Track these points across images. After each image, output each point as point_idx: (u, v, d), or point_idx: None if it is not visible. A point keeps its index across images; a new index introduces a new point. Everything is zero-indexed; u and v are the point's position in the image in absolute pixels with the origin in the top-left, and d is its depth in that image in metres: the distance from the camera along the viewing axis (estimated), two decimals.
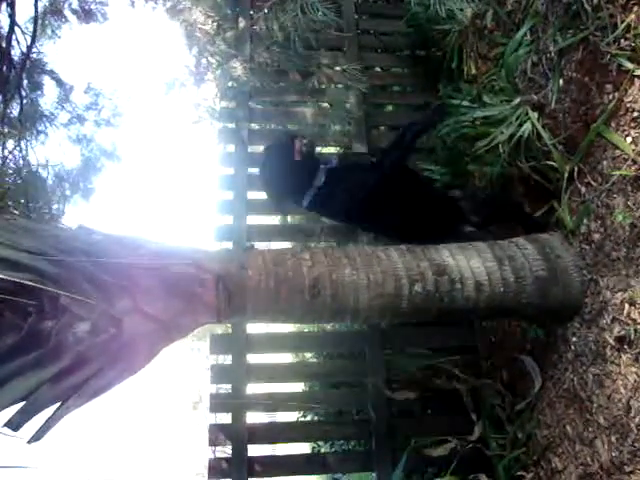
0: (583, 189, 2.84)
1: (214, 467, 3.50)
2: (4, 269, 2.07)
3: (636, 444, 2.46)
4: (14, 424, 2.08)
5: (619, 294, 2.55)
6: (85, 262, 2.23)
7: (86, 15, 6.80)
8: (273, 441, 3.75)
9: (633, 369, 2.47)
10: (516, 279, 2.69)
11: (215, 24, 5.43)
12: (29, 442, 2.11)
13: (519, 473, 3.24)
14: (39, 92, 5.93)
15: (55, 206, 5.17)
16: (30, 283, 2.07)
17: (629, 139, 2.55)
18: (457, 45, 4.11)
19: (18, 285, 2.11)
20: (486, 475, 3.35)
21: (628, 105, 2.56)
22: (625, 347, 2.51)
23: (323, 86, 4.36)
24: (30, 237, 2.22)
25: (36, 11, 5.90)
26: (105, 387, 2.34)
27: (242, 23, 4.42)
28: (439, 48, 4.33)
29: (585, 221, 2.79)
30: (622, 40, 2.60)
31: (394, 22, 4.66)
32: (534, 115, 3.12)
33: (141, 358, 2.42)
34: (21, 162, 5.21)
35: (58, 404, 2.20)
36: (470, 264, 2.68)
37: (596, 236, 2.72)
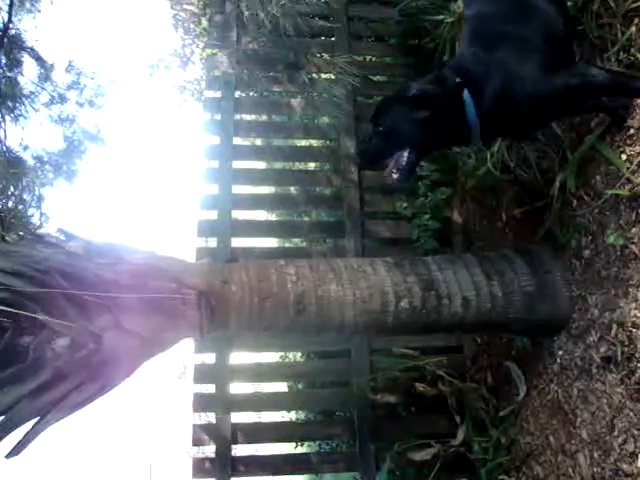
0: (575, 202, 2.78)
1: (198, 467, 3.50)
2: None
3: (618, 463, 2.45)
4: None
5: (607, 313, 2.52)
6: (62, 282, 2.17)
7: None
8: (257, 441, 3.74)
9: (618, 390, 2.45)
10: (504, 294, 2.66)
11: (201, 3, 5.27)
12: (7, 457, 2.10)
13: (501, 477, 3.25)
14: (17, 70, 5.72)
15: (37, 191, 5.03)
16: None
17: (624, 156, 2.48)
18: (449, 37, 3.99)
19: None
20: (468, 479, 3.37)
21: None
22: (611, 367, 2.49)
23: (312, 75, 4.24)
24: (4, 258, 2.15)
25: None
26: (85, 401, 2.31)
27: (229, 7, 4.26)
28: (431, 38, 4.21)
29: (576, 236, 2.74)
30: (621, 52, 2.52)
31: (386, 9, 4.52)
32: None
33: (122, 373, 2.39)
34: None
35: (37, 418, 2.17)
36: (458, 279, 2.64)
37: (586, 252, 2.68)
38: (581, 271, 2.70)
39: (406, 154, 2.33)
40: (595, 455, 2.59)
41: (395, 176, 2.37)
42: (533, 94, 2.25)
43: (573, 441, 2.76)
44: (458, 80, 2.28)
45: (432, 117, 2.26)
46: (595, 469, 2.59)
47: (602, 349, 2.54)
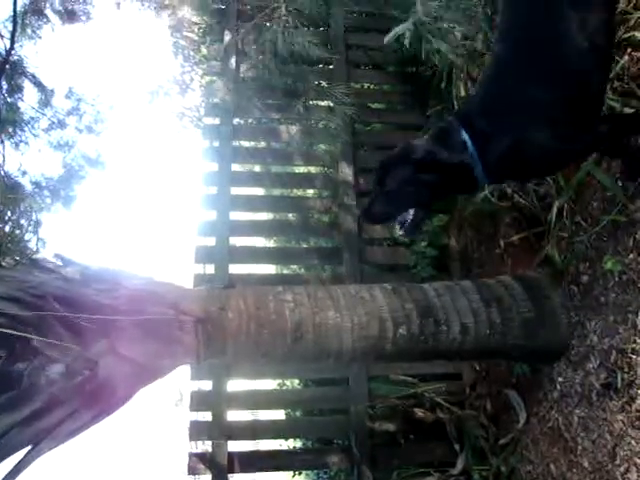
0: (573, 228, 2.79)
1: None
2: None
3: None
4: None
5: (606, 340, 2.51)
6: (58, 308, 2.16)
7: (69, 15, 6.63)
8: (254, 470, 3.68)
9: (619, 417, 2.43)
10: (502, 320, 2.65)
11: (201, 31, 5.34)
12: None
13: None
14: (18, 96, 5.76)
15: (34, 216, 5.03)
16: None
17: (619, 182, 2.50)
18: (447, 65, 4.04)
19: None
20: None
21: None
22: (612, 394, 2.47)
23: (311, 103, 4.28)
24: (0, 283, 2.14)
25: (15, 10, 5.70)
26: (80, 428, 2.29)
27: (227, 37, 4.31)
28: (429, 67, 4.25)
29: (574, 262, 2.74)
30: (615, 81, 2.55)
31: (383, 37, 4.55)
32: None
33: (117, 399, 2.36)
34: None
35: (29, 447, 2.14)
36: (456, 305, 2.63)
37: (585, 278, 2.68)
38: (580, 297, 2.70)
39: (412, 212, 2.27)
40: None
41: (401, 233, 2.34)
42: (541, 162, 2.17)
43: (574, 470, 2.72)
44: (465, 137, 2.11)
45: (437, 179, 2.16)
46: None
47: (602, 376, 2.53)
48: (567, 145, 2.10)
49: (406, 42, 2.86)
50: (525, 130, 2.05)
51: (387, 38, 3.22)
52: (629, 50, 2.52)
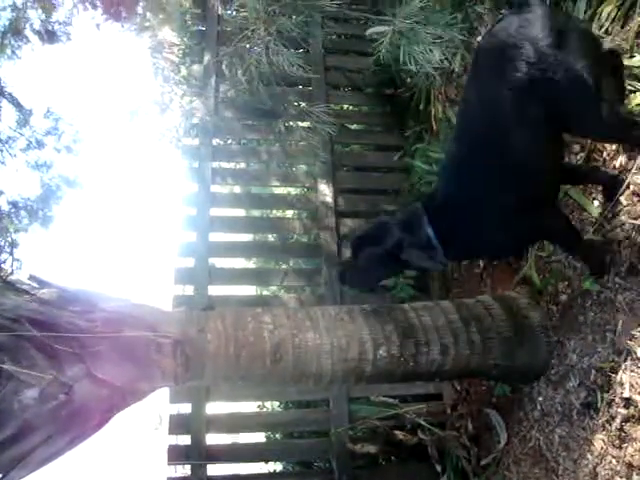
0: (551, 247, 2.82)
1: None
2: None
3: None
4: None
5: (586, 359, 2.52)
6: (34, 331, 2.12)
7: (49, 36, 6.61)
8: None
9: (599, 436, 2.43)
10: (482, 340, 2.65)
11: (180, 52, 5.34)
12: None
13: None
14: None
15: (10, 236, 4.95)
16: None
17: (596, 202, 2.53)
18: (425, 86, 4.08)
19: None
20: None
21: None
22: (592, 413, 2.48)
23: (290, 124, 4.29)
24: None
25: None
26: (54, 455, 2.24)
27: (207, 58, 4.32)
28: (407, 88, 4.30)
29: (552, 281, 2.76)
30: None
31: (362, 59, 4.62)
32: None
33: (93, 424, 2.32)
34: None
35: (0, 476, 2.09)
36: (436, 325, 2.63)
37: (563, 297, 2.70)
38: (558, 316, 2.72)
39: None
40: None
41: None
42: (501, 253, 2.63)
43: None
44: (429, 232, 2.29)
45: (403, 263, 2.40)
46: None
47: (582, 395, 2.53)
48: (522, 242, 2.44)
49: (383, 50, 2.88)
50: (481, 230, 2.21)
51: (369, 31, 3.24)
52: None
